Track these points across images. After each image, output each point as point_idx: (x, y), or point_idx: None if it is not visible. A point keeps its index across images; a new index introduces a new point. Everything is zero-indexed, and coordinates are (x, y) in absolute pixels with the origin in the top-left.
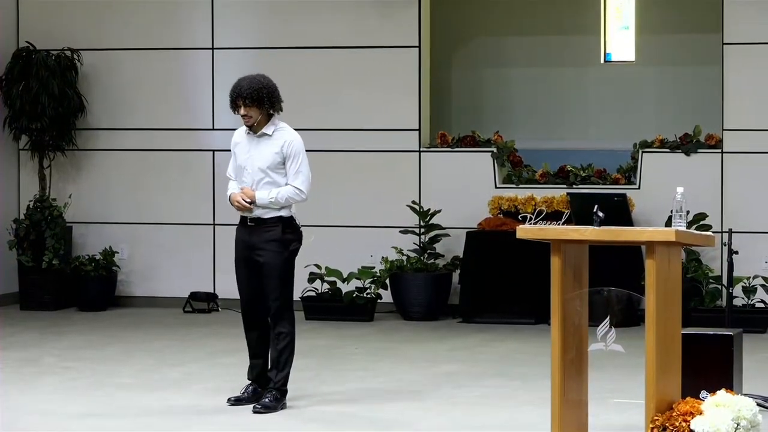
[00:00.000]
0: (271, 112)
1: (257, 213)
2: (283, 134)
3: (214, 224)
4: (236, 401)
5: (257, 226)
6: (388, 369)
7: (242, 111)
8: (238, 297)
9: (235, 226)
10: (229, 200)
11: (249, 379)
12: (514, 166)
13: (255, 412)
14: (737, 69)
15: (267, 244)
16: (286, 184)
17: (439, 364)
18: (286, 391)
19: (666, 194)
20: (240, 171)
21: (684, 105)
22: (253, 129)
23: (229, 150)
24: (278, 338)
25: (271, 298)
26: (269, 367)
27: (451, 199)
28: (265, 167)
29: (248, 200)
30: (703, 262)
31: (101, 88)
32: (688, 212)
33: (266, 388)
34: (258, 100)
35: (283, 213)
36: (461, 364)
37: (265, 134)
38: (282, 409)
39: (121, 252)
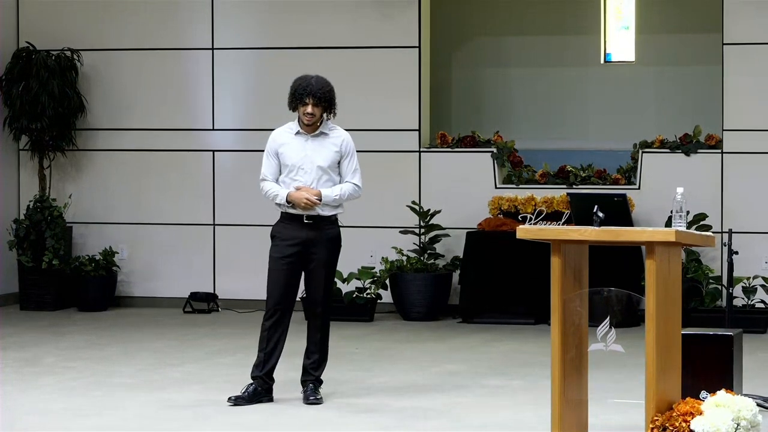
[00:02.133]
0: (330, 115)
1: (318, 211)
2: (339, 132)
3: (214, 224)
4: (237, 400)
5: (316, 223)
6: (388, 369)
7: (309, 109)
8: (237, 297)
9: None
10: (286, 200)
11: (257, 375)
12: (514, 167)
13: (310, 403)
14: (737, 69)
15: (328, 242)
16: (344, 182)
17: (439, 364)
18: (322, 381)
19: (666, 194)
20: (293, 170)
21: (684, 105)
22: (310, 129)
23: (229, 150)
24: (323, 331)
25: (322, 293)
26: (310, 358)
27: (451, 200)
28: (326, 166)
29: (315, 198)
30: (703, 262)
31: (101, 88)
32: (688, 212)
33: (305, 381)
34: (328, 101)
35: (339, 210)
36: (461, 364)
37: (322, 133)
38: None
39: (121, 252)
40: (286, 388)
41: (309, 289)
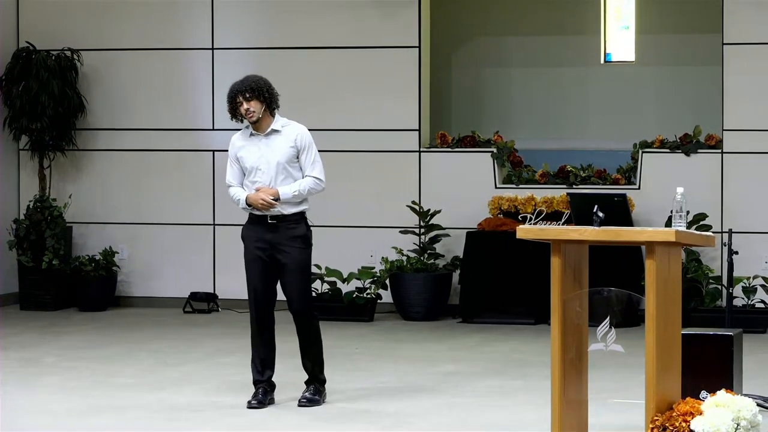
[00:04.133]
0: (272, 106)
1: (279, 210)
2: (292, 128)
3: (214, 224)
4: (259, 405)
5: (279, 223)
6: (388, 369)
7: (244, 106)
8: (237, 297)
9: (240, 226)
10: (246, 203)
11: (261, 380)
12: (514, 167)
13: (301, 405)
14: (737, 69)
15: (292, 241)
16: (304, 176)
17: (439, 364)
18: (324, 380)
19: (666, 194)
20: (251, 172)
21: (684, 105)
22: (259, 127)
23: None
24: (308, 332)
25: (299, 294)
26: (305, 359)
27: (451, 200)
28: (284, 162)
29: (272, 197)
30: (703, 262)
31: (101, 88)
32: (688, 212)
33: (306, 382)
34: (257, 91)
35: (303, 207)
36: (461, 364)
37: (274, 131)
38: (324, 400)
39: (121, 252)
40: (286, 388)
41: (285, 291)
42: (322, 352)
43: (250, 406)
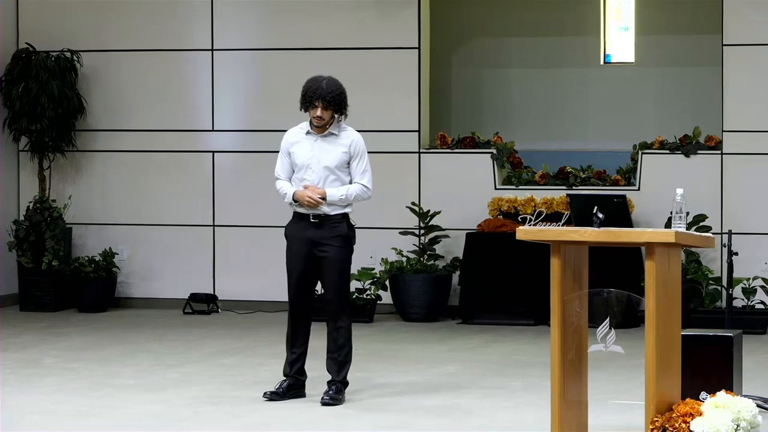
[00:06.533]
0: (340, 116)
1: (323, 210)
2: (349, 134)
3: (213, 225)
4: (272, 396)
5: (322, 222)
6: (387, 370)
7: (318, 112)
8: (237, 298)
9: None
10: (293, 198)
11: (288, 374)
12: (513, 168)
13: (324, 404)
14: (737, 70)
15: (333, 239)
16: (352, 182)
17: (439, 365)
18: (347, 383)
19: (666, 195)
20: (301, 169)
21: (684, 106)
22: (320, 130)
23: (229, 151)
24: (338, 332)
25: (333, 292)
26: (330, 360)
27: (450, 201)
28: (333, 166)
29: (319, 197)
30: (702, 263)
31: (101, 89)
32: (687, 213)
33: (329, 382)
34: (337, 105)
35: (347, 210)
36: (461, 364)
37: (332, 134)
38: (343, 401)
39: (120, 253)
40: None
41: (323, 288)
42: (351, 354)
43: (264, 394)
